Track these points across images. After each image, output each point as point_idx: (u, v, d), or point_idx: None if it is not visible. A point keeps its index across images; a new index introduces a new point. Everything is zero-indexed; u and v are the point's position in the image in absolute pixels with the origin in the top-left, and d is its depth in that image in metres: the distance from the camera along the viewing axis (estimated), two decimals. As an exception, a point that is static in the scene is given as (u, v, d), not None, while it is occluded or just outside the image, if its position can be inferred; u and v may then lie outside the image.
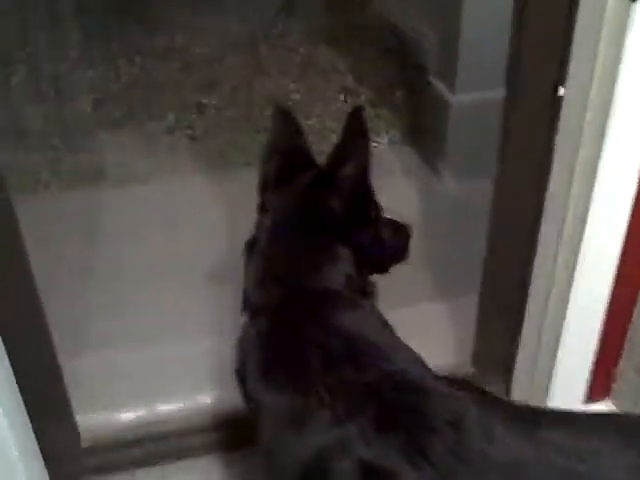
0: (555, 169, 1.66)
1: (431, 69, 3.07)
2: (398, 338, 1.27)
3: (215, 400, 2.12)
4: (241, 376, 1.28)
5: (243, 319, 1.31)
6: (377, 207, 1.38)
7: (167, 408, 2.11)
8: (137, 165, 3.20)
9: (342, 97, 3.54)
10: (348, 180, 1.27)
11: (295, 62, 3.82)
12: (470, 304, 2.18)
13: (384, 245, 1.38)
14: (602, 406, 1.98)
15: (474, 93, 2.87)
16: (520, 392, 2.01)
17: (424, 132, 3.11)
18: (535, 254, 1.79)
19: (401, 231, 1.48)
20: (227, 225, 2.77)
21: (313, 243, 1.29)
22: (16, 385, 1.63)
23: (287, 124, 1.41)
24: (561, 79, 1.55)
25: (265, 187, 1.39)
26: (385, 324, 1.28)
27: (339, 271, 1.27)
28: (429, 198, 2.93)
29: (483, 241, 2.68)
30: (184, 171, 3.18)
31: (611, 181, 1.57)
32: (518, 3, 1.51)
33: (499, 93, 2.86)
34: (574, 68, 1.52)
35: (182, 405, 2.12)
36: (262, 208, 1.38)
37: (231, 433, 2.05)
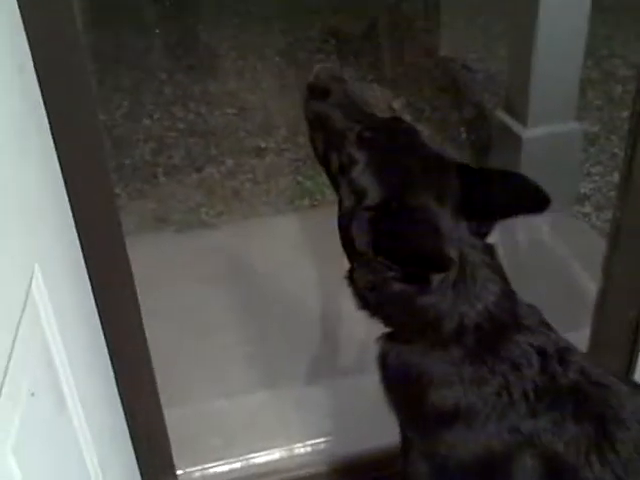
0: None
1: (496, 104, 3.04)
2: None
3: (312, 450, 2.05)
4: (420, 394, 1.27)
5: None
6: None
7: (263, 460, 2.04)
8: (201, 210, 3.18)
9: (401, 136, 3.50)
10: None
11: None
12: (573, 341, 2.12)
13: None
14: None
15: (546, 126, 2.85)
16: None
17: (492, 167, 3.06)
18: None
19: None
20: (300, 267, 2.73)
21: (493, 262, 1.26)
22: (131, 443, 1.58)
23: None
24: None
25: None
26: None
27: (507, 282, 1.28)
28: (508, 236, 2.88)
29: (572, 276, 2.67)
30: (249, 215, 3.16)
31: None
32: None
33: (571, 126, 2.92)
34: None
35: (278, 456, 2.04)
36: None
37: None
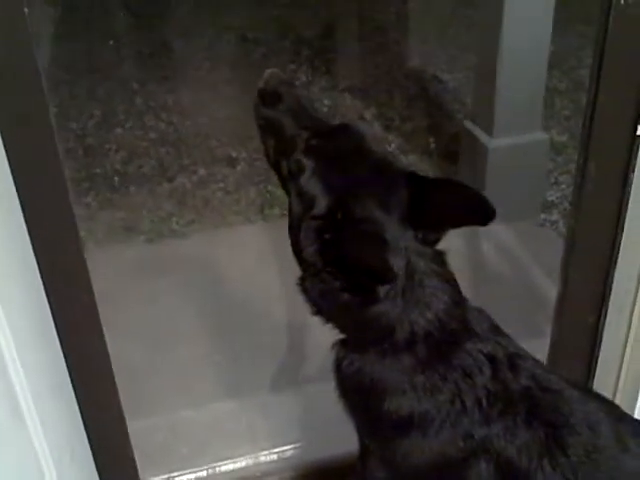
0: (632, 207, 1.63)
1: (465, 114, 3.08)
2: None
3: (278, 458, 2.06)
4: (378, 399, 1.28)
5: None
6: None
7: (229, 468, 2.05)
8: (172, 220, 3.19)
9: (372, 145, 3.53)
10: None
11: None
12: (532, 350, 2.16)
13: None
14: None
15: (512, 137, 2.88)
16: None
17: (460, 177, 3.09)
18: (609, 300, 1.76)
19: None
20: (268, 277, 2.74)
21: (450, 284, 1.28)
22: (90, 451, 1.58)
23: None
24: (640, 118, 1.54)
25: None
26: None
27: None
28: (474, 244, 2.91)
29: (538, 284, 2.71)
30: (220, 224, 3.16)
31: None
32: (597, 42, 1.50)
33: (536, 136, 2.96)
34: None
35: (244, 464, 2.05)
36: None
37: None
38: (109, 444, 1.69)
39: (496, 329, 1.32)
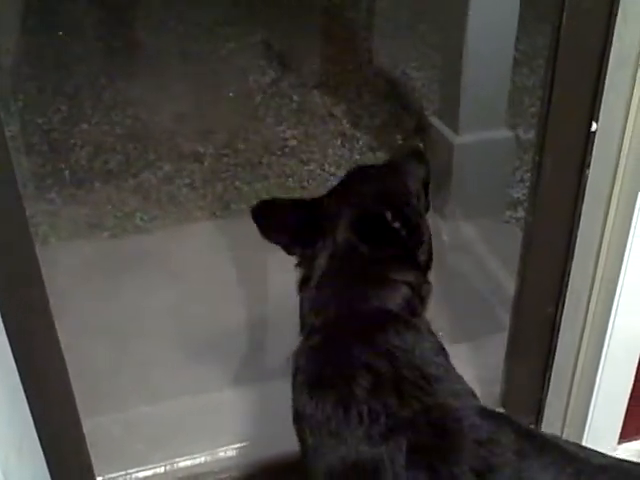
0: (587, 202, 1.64)
1: (433, 111, 3.09)
2: (450, 365, 1.26)
3: (236, 454, 2.05)
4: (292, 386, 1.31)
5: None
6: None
7: (187, 464, 2.03)
8: (136, 215, 3.16)
9: (339, 142, 3.53)
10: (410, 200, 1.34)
11: (290, 109, 3.82)
12: (493, 344, 2.17)
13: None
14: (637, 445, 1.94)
15: (477, 134, 2.89)
16: (552, 431, 1.96)
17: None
18: (567, 292, 1.77)
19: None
20: (232, 273, 2.73)
21: (374, 267, 1.29)
22: (40, 448, 1.55)
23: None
24: (594, 114, 1.54)
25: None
26: (440, 348, 1.27)
27: (397, 292, 1.29)
28: (434, 240, 2.91)
29: (496, 279, 2.72)
30: (185, 220, 3.14)
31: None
32: (552, 38, 1.51)
33: (501, 134, 2.97)
34: (607, 103, 1.51)
35: (203, 460, 2.04)
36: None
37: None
38: (62, 441, 1.67)
39: (414, 338, 1.23)
